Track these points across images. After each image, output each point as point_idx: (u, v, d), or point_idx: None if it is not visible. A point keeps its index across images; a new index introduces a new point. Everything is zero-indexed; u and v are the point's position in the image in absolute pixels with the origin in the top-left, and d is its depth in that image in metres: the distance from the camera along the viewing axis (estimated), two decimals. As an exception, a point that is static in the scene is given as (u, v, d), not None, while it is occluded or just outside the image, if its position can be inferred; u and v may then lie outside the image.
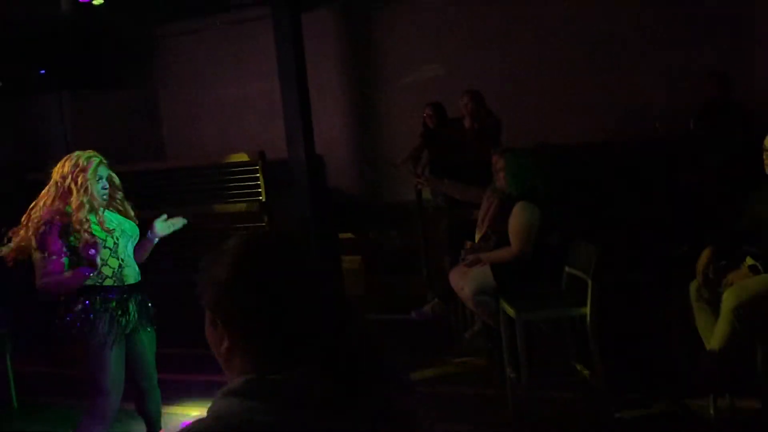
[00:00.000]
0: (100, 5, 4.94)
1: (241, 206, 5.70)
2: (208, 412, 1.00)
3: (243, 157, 5.79)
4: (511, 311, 3.69)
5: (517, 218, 4.04)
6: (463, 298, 4.22)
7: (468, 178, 5.44)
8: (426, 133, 6.05)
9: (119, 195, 3.11)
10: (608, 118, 6.41)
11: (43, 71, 7.23)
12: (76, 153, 3.03)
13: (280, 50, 6.65)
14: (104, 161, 3.04)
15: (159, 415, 3.33)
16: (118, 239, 3.01)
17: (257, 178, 5.57)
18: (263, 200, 5.41)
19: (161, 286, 5.12)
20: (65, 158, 3.01)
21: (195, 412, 3.99)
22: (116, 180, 3.09)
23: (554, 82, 6.65)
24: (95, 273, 2.89)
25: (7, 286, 5.99)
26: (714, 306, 3.47)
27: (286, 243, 1.10)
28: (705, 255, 3.58)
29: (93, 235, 2.89)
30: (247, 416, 0.96)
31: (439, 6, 6.96)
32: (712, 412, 3.63)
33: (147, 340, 3.16)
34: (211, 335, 1.09)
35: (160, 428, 3.35)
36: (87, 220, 2.90)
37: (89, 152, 3.04)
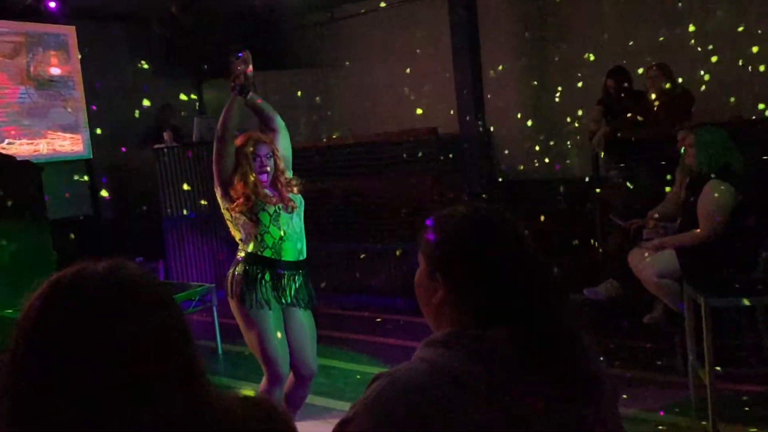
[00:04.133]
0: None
1: (413, 180, 5.86)
2: (413, 358, 1.14)
3: (415, 133, 5.94)
4: (697, 297, 3.49)
5: (708, 198, 3.79)
6: (643, 281, 4.05)
7: (651, 155, 5.14)
8: (605, 104, 5.60)
9: (283, 176, 3.13)
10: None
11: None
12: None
13: (453, 26, 6.69)
14: (257, 140, 3.09)
15: (301, 404, 3.28)
16: (279, 209, 3.05)
17: (430, 153, 5.68)
18: (435, 175, 5.52)
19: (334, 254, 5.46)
20: None
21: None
22: (281, 163, 3.12)
23: (752, 52, 6.03)
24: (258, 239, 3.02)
25: (212, 246, 6.78)
26: None
27: (505, 216, 1.22)
28: None
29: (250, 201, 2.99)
30: (451, 362, 1.08)
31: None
32: None
33: (305, 321, 3.18)
34: (424, 284, 1.21)
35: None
36: (247, 194, 2.99)
37: (249, 134, 3.14)
